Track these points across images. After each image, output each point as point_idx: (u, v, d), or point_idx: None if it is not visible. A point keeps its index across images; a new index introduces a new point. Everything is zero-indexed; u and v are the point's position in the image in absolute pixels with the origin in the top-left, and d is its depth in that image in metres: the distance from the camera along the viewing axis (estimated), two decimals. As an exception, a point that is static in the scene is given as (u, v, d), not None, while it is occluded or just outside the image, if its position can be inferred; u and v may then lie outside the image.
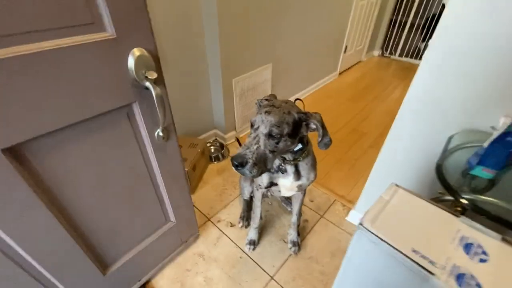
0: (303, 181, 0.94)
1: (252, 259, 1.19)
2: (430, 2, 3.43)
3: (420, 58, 3.72)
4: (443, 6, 3.45)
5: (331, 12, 2.39)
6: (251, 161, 0.71)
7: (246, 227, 1.33)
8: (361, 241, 0.65)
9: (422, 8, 3.52)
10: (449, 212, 0.65)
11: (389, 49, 3.85)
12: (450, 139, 0.78)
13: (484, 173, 0.65)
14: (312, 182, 0.97)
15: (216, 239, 1.28)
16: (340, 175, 1.68)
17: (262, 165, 0.74)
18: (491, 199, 0.64)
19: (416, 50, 3.78)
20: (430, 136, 0.93)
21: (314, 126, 0.77)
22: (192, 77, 1.59)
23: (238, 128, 1.94)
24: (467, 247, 0.49)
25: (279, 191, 1.00)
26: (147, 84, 0.65)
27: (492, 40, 0.69)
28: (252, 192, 1.27)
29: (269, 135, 0.72)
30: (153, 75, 0.64)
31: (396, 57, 3.79)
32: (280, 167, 0.91)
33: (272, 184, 0.97)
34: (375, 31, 3.55)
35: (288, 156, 0.87)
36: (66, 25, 0.52)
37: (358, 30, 3.09)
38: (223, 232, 1.31)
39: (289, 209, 1.42)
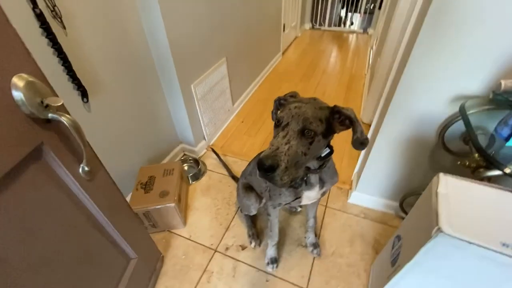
0: (328, 186, 0.86)
1: (279, 278, 1.10)
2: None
3: (344, 25, 3.99)
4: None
5: (267, -9, 2.27)
6: (283, 163, 0.57)
7: (259, 246, 1.21)
8: (440, 247, 0.60)
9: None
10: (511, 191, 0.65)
11: (318, 21, 3.98)
12: (463, 107, 0.78)
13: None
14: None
15: (232, 270, 1.13)
16: (324, 158, 1.67)
17: (293, 170, 0.60)
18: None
19: (339, 18, 4.00)
20: (426, 106, 0.94)
21: (348, 122, 0.67)
22: (144, 96, 1.30)
23: (207, 136, 1.73)
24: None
25: (300, 201, 0.90)
26: (51, 115, 0.51)
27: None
28: (259, 206, 1.14)
29: (302, 133, 0.60)
30: (58, 101, 0.51)
31: (326, 27, 3.95)
32: (305, 178, 0.80)
33: (295, 198, 0.86)
34: (303, 5, 3.59)
35: (314, 165, 0.76)
36: None
37: (290, 6, 3.05)
38: (237, 260, 1.16)
39: (293, 210, 1.35)
